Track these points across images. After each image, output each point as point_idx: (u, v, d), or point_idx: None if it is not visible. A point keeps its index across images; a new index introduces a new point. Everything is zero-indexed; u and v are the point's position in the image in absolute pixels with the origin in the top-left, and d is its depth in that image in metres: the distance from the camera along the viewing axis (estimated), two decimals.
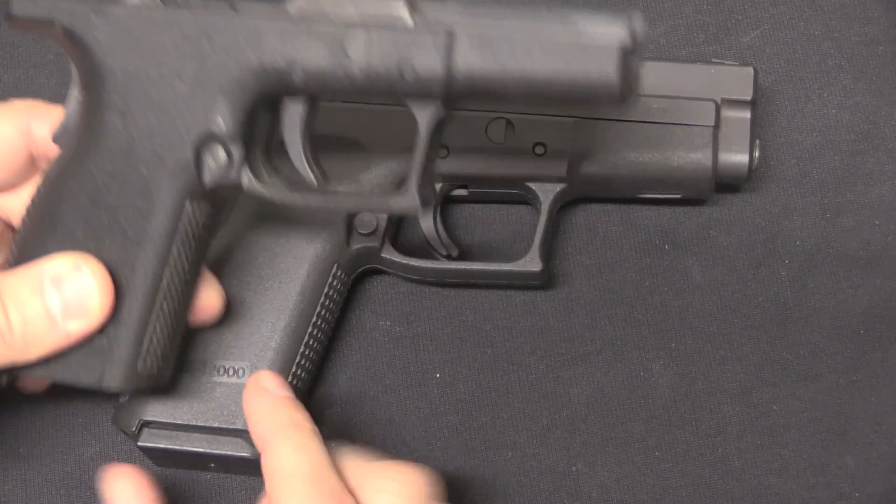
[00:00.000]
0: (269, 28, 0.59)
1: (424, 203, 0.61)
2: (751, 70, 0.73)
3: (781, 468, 0.74)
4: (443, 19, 0.57)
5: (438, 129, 0.60)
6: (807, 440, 0.74)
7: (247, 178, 0.61)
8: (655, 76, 0.73)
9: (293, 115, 0.61)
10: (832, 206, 0.77)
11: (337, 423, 0.75)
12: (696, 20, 0.81)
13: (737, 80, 0.73)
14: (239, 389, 0.69)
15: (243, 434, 0.69)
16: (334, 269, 0.72)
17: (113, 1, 0.61)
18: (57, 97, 0.67)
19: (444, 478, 0.65)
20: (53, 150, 0.64)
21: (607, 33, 0.56)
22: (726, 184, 0.75)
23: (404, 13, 0.58)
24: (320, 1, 0.59)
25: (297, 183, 0.62)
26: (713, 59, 0.74)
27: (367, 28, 0.58)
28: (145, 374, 0.64)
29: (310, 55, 0.58)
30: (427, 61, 0.57)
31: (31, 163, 0.68)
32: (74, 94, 0.63)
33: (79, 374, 0.63)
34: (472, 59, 0.57)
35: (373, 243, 0.73)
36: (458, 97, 0.58)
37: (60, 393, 0.75)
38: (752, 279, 0.76)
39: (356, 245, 0.73)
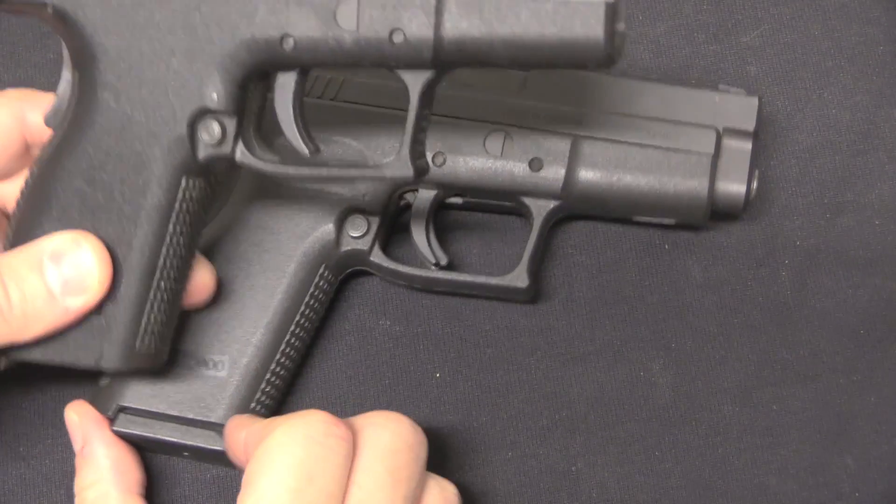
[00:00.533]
0: None
1: (418, 172, 0.61)
2: (755, 101, 0.72)
3: (781, 468, 0.74)
4: None
5: (429, 93, 0.60)
6: (807, 440, 0.74)
7: (240, 151, 0.62)
8: (659, 99, 0.72)
9: (284, 87, 0.61)
10: (832, 206, 0.77)
11: None
12: (696, 20, 0.81)
13: (741, 110, 0.72)
14: (217, 382, 0.69)
15: (217, 427, 0.69)
16: (322, 269, 0.72)
17: None
18: None
19: (443, 476, 0.65)
20: (48, 137, 0.64)
21: None
22: (722, 213, 0.73)
23: None
24: None
25: (289, 155, 0.62)
26: (720, 86, 0.73)
27: None
28: (143, 354, 0.64)
29: (301, 25, 0.58)
30: (417, 27, 0.57)
31: (27, 150, 0.68)
32: (66, 76, 0.63)
33: (77, 356, 0.63)
34: (461, 23, 0.57)
35: (362, 246, 0.73)
36: (448, 61, 0.58)
37: (61, 393, 0.75)
38: (752, 279, 0.76)
39: (346, 247, 0.73)
